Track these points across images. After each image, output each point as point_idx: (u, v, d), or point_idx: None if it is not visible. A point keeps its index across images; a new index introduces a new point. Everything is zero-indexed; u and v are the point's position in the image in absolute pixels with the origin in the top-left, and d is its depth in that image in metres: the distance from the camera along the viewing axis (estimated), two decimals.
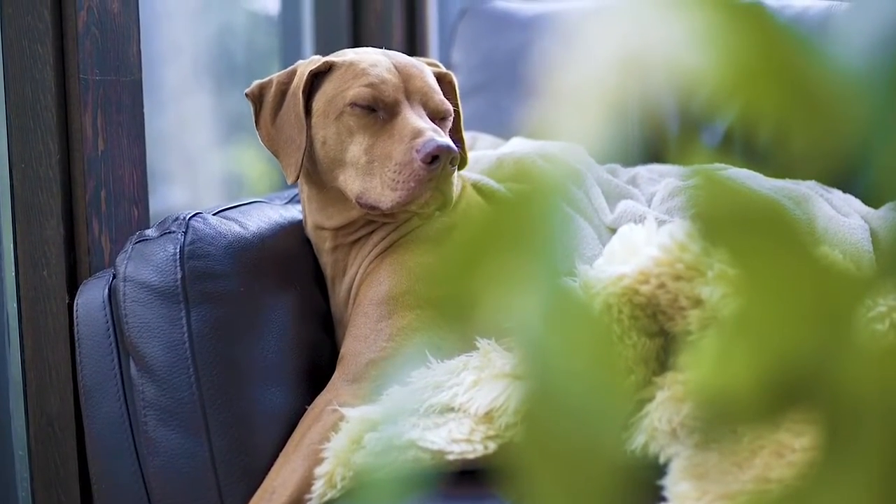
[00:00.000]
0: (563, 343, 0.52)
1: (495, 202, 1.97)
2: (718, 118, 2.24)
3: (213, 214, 1.90)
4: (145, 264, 1.79)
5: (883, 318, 1.45)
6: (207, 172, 3.11)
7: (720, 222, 0.57)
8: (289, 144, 1.89)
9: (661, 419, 1.46)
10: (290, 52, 3.19)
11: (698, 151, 1.99)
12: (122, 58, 2.01)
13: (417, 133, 1.78)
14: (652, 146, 2.28)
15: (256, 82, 1.97)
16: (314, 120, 1.89)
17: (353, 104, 1.84)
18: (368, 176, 1.81)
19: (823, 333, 0.57)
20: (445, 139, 1.77)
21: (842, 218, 1.97)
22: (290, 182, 1.90)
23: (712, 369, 0.57)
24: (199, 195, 3.04)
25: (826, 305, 0.57)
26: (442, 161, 1.75)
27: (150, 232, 1.85)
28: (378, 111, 1.84)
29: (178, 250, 1.79)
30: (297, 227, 2.02)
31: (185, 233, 1.81)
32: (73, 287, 1.94)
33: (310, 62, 1.94)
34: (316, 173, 1.92)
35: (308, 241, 2.02)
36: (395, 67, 1.90)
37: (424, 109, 1.87)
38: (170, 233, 1.82)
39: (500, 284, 0.54)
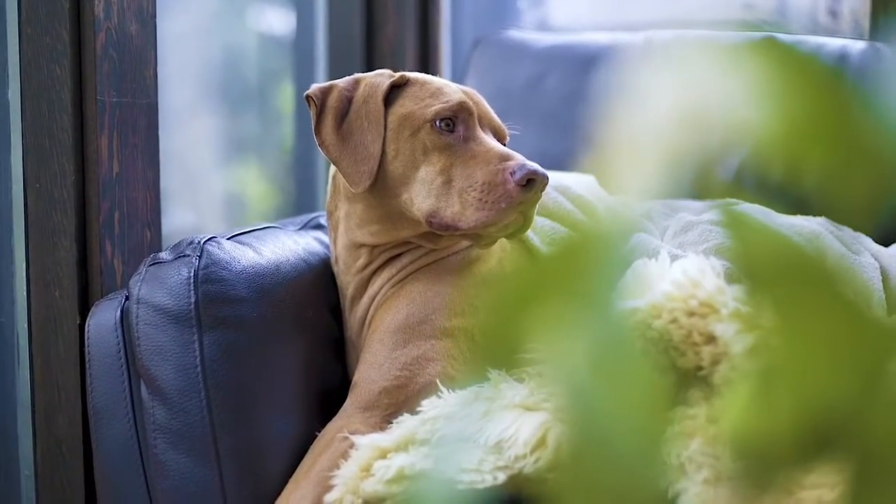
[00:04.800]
0: (610, 388, 0.52)
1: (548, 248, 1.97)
2: (770, 171, 2.24)
3: (228, 239, 1.90)
4: (159, 287, 1.79)
5: None
6: (211, 193, 3.12)
7: (758, 269, 0.57)
8: (359, 152, 1.87)
9: (669, 454, 1.45)
10: (303, 75, 3.19)
11: (714, 186, 2.00)
12: (138, 80, 2.02)
13: (507, 156, 1.79)
14: (703, 195, 2.27)
15: (317, 85, 1.94)
16: (386, 133, 1.88)
17: (434, 122, 1.84)
18: (444, 196, 1.80)
19: (857, 382, 0.57)
20: (537, 164, 1.78)
21: (852, 255, 1.97)
22: (356, 190, 1.87)
23: (747, 414, 0.57)
24: (202, 216, 3.04)
25: (860, 354, 0.57)
26: (538, 185, 1.76)
27: (165, 255, 1.85)
28: (456, 132, 1.84)
29: (192, 274, 1.79)
30: (310, 254, 2.02)
31: (200, 257, 1.81)
32: (84, 308, 1.94)
33: (379, 74, 1.94)
34: (371, 187, 1.88)
35: (321, 267, 2.02)
36: (461, 90, 1.92)
37: (493, 134, 1.90)
38: (184, 256, 1.82)
39: (547, 329, 0.54)
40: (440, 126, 1.83)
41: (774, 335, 0.56)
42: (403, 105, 1.88)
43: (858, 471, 0.59)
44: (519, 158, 1.78)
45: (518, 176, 1.74)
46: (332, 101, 1.90)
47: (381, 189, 1.88)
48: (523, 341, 0.56)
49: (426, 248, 1.94)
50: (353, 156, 1.87)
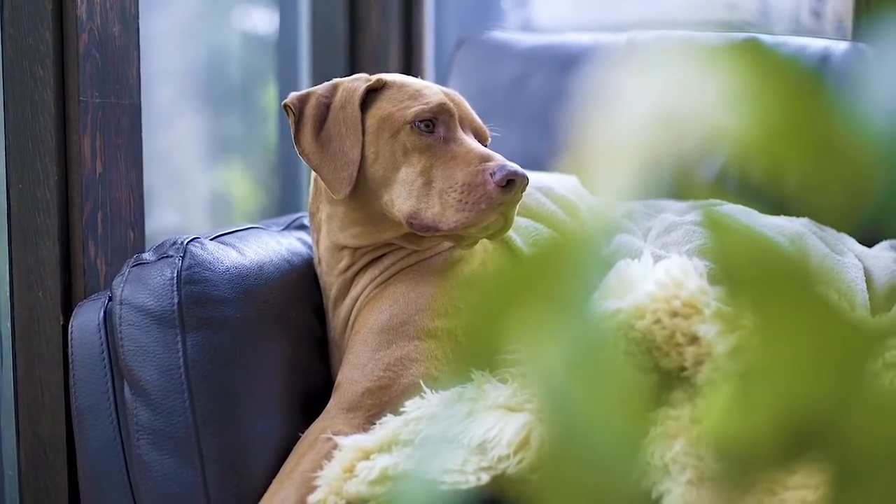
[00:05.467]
0: (589, 390, 0.52)
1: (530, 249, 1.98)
2: (751, 173, 2.25)
3: (211, 240, 1.89)
4: (142, 288, 1.79)
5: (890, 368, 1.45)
6: (195, 193, 3.11)
7: (737, 270, 0.57)
8: (338, 158, 1.87)
9: (653, 455, 1.46)
10: (287, 75, 3.19)
11: (695, 187, 2.00)
12: (121, 81, 2.01)
13: (487, 157, 1.79)
14: (683, 196, 2.27)
15: (294, 94, 1.94)
16: (365, 137, 1.88)
17: (414, 123, 1.84)
18: (425, 197, 1.80)
19: (837, 383, 0.57)
20: (517, 165, 1.78)
21: (835, 256, 1.97)
22: (338, 196, 1.86)
23: (727, 416, 0.58)
24: (186, 216, 3.04)
25: (841, 355, 0.57)
26: (517, 186, 1.76)
27: (148, 255, 1.85)
28: (435, 132, 1.84)
29: (175, 275, 1.79)
30: (293, 254, 2.02)
31: (183, 257, 1.80)
32: (67, 308, 1.94)
33: (356, 79, 1.94)
34: (353, 189, 1.88)
35: (305, 268, 2.02)
36: (443, 92, 1.92)
37: (474, 135, 1.89)
38: (167, 257, 1.81)
39: (527, 330, 0.54)
40: (420, 127, 1.83)
41: (754, 336, 0.56)
42: (382, 108, 1.89)
43: (839, 471, 0.59)
44: (499, 159, 1.78)
45: (498, 177, 1.74)
46: (311, 108, 1.91)
47: (362, 192, 1.88)
48: (506, 342, 0.56)
49: (408, 250, 1.94)
50: (332, 162, 1.87)
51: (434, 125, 1.84)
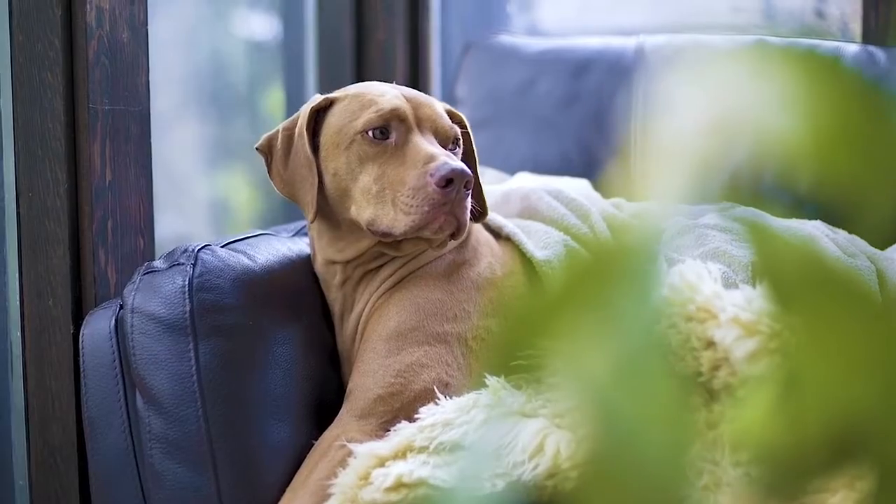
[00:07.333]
0: (639, 398, 0.52)
1: (572, 258, 1.96)
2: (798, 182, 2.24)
3: (222, 247, 1.89)
4: (154, 296, 1.79)
5: None
6: (198, 200, 3.10)
7: (782, 278, 0.57)
8: (302, 184, 1.90)
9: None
10: (293, 81, 3.18)
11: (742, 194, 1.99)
12: (130, 88, 2.01)
13: (431, 158, 1.78)
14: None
15: (265, 135, 1.98)
16: (322, 154, 1.90)
17: (365, 132, 1.84)
18: (380, 203, 1.80)
19: (884, 389, 0.57)
20: (459, 163, 1.78)
21: (847, 258, 1.96)
22: (310, 221, 1.91)
23: (772, 422, 0.57)
24: (191, 223, 3.03)
25: (887, 361, 0.57)
26: (456, 185, 1.75)
27: (159, 263, 1.84)
28: (389, 138, 1.84)
29: (186, 283, 1.78)
30: (304, 261, 2.02)
31: (194, 265, 1.80)
32: (78, 317, 1.93)
33: (311, 101, 1.95)
34: (327, 206, 1.91)
35: (315, 276, 2.01)
36: (404, 96, 1.90)
37: (434, 136, 1.88)
38: (178, 265, 1.81)
39: (570, 340, 0.54)
40: (372, 135, 1.84)
41: (801, 343, 0.56)
42: (332, 124, 1.90)
43: (883, 478, 0.58)
44: (441, 159, 1.78)
45: (437, 177, 1.75)
46: (278, 143, 1.95)
47: (334, 207, 1.90)
48: (545, 352, 0.55)
49: (406, 258, 1.94)
50: (300, 189, 1.91)
51: (387, 131, 1.84)
